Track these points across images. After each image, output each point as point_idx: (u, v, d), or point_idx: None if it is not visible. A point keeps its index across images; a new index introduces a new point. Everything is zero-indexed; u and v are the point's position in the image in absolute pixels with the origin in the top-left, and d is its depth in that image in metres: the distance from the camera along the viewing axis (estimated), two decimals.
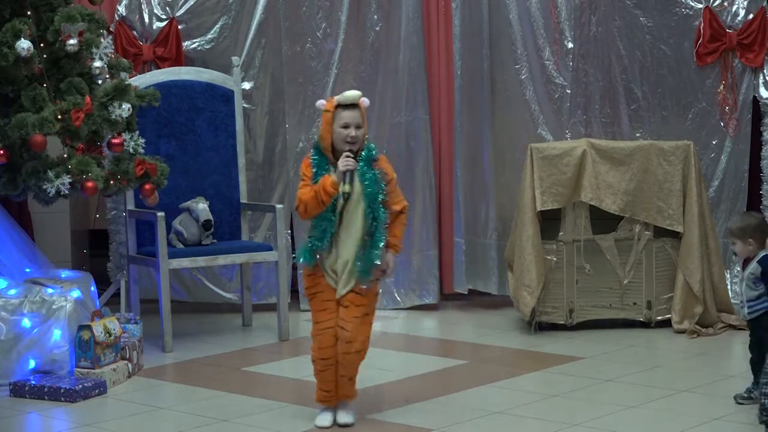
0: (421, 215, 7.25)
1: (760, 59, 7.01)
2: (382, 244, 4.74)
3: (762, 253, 4.88)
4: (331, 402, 4.90)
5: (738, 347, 6.18)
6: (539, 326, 6.54)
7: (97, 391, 5.39)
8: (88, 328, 5.51)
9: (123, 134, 5.82)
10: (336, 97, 4.78)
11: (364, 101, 4.80)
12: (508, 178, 7.25)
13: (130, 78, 6.07)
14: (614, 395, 5.25)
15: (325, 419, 4.87)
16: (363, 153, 4.76)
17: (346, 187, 4.67)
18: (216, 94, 6.87)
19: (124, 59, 6.16)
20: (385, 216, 4.75)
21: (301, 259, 4.78)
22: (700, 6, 7.05)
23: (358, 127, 4.72)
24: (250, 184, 7.12)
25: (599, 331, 6.51)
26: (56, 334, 5.56)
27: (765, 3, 7.00)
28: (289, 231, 7.22)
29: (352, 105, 4.74)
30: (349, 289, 4.77)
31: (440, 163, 7.35)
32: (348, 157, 4.68)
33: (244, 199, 6.88)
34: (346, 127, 4.72)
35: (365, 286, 4.76)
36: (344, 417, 4.88)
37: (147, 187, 5.94)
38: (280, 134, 7.35)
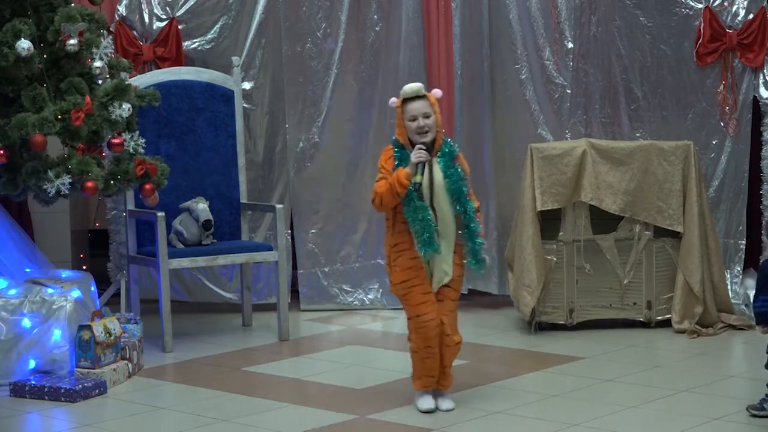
0: None
1: (760, 59, 7.00)
2: (480, 230, 4.91)
3: None
4: (432, 386, 5.04)
5: (738, 347, 6.19)
6: (539, 326, 6.54)
7: (97, 391, 5.39)
8: (89, 328, 5.51)
9: (123, 134, 5.82)
10: (401, 93, 4.93)
11: (436, 93, 4.96)
12: (508, 178, 7.26)
13: (130, 78, 6.08)
14: (614, 395, 5.25)
15: (429, 402, 5.02)
16: (444, 148, 4.90)
17: (418, 177, 4.77)
18: (216, 94, 6.87)
19: (124, 59, 6.16)
20: (473, 207, 4.91)
21: (432, 250, 4.83)
22: (700, 6, 7.05)
23: (426, 116, 4.85)
24: (250, 184, 7.12)
25: (599, 331, 6.51)
26: (56, 334, 5.57)
27: (765, 3, 7.00)
28: (289, 231, 7.23)
29: (419, 97, 4.88)
30: (444, 283, 4.93)
31: None
32: (420, 149, 4.79)
33: (244, 199, 6.88)
34: (413, 119, 4.85)
35: (481, 270, 4.98)
36: (447, 404, 5.05)
37: (147, 187, 5.94)
38: (280, 134, 7.35)
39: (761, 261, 4.88)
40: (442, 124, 7.28)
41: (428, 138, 4.85)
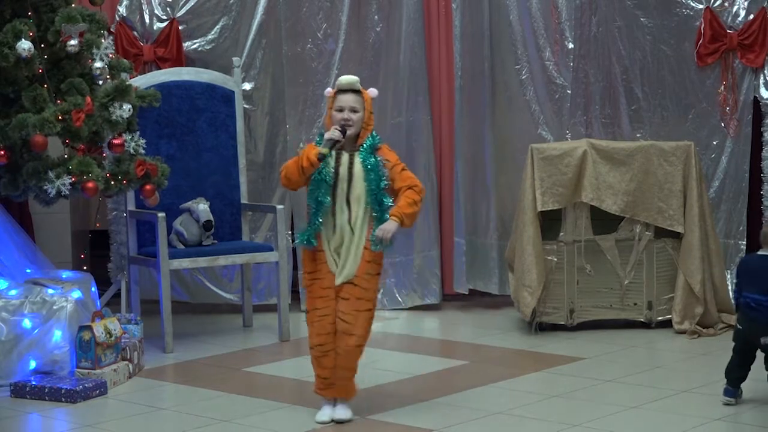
0: (422, 215, 7.23)
1: (761, 60, 7.00)
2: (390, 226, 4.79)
3: None
4: (330, 393, 4.92)
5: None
6: (540, 326, 6.54)
7: (97, 391, 5.39)
8: (89, 328, 5.51)
9: (124, 135, 5.82)
10: (336, 83, 4.90)
11: (371, 92, 4.90)
12: (508, 178, 7.26)
13: (130, 78, 6.08)
14: (615, 396, 5.25)
15: (324, 414, 4.91)
16: (367, 142, 4.83)
17: (325, 150, 4.73)
18: (216, 95, 6.87)
19: (125, 60, 6.15)
20: (390, 202, 4.80)
21: (302, 241, 4.83)
22: (701, 6, 7.05)
23: (353, 110, 4.80)
24: (251, 184, 7.12)
25: (600, 332, 6.51)
26: (57, 334, 5.57)
27: (765, 3, 6.99)
28: (290, 232, 7.23)
29: (352, 90, 4.83)
30: (346, 279, 4.81)
31: (441, 163, 7.36)
32: (336, 128, 4.76)
33: (244, 200, 6.88)
34: (340, 110, 4.81)
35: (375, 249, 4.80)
36: (341, 412, 4.89)
37: (147, 187, 5.94)
38: (281, 135, 7.35)
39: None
40: (443, 125, 7.37)
41: (350, 132, 4.79)
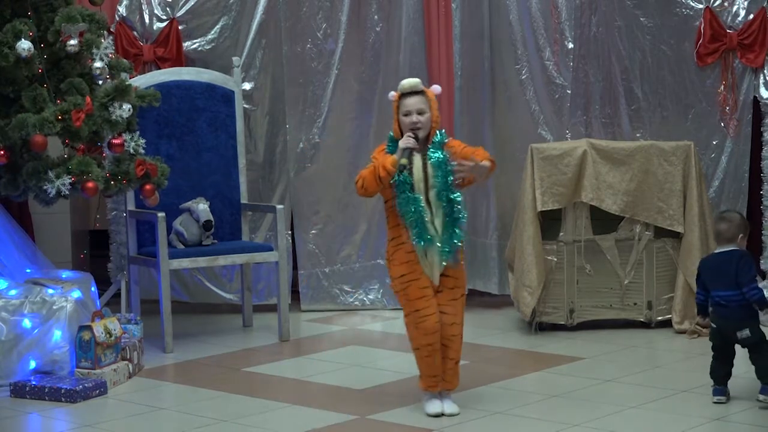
0: None
1: (761, 59, 7.00)
2: (464, 222, 4.86)
3: None
4: (437, 387, 4.97)
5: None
6: (540, 326, 6.54)
7: (97, 391, 5.39)
8: (89, 328, 5.52)
9: (123, 135, 5.83)
10: (399, 87, 4.92)
11: (435, 89, 4.96)
12: (508, 178, 7.25)
13: (130, 78, 6.08)
14: (615, 395, 5.25)
15: (435, 406, 4.95)
16: (435, 139, 4.89)
17: (404, 160, 4.78)
18: (216, 95, 6.87)
19: (125, 60, 6.15)
20: (458, 198, 4.84)
21: (422, 243, 4.82)
22: (701, 6, 7.05)
23: (420, 112, 4.84)
24: (251, 184, 7.13)
25: (600, 332, 6.51)
26: (57, 334, 5.57)
27: (765, 3, 7.00)
28: (290, 231, 7.23)
29: (415, 92, 4.87)
30: (438, 274, 4.89)
31: None
32: (409, 136, 4.81)
33: (244, 200, 6.88)
34: (407, 114, 4.85)
35: (453, 263, 4.86)
36: (451, 407, 4.96)
37: (147, 187, 5.94)
38: (281, 135, 7.36)
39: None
40: (443, 125, 7.35)
41: (420, 134, 4.84)
